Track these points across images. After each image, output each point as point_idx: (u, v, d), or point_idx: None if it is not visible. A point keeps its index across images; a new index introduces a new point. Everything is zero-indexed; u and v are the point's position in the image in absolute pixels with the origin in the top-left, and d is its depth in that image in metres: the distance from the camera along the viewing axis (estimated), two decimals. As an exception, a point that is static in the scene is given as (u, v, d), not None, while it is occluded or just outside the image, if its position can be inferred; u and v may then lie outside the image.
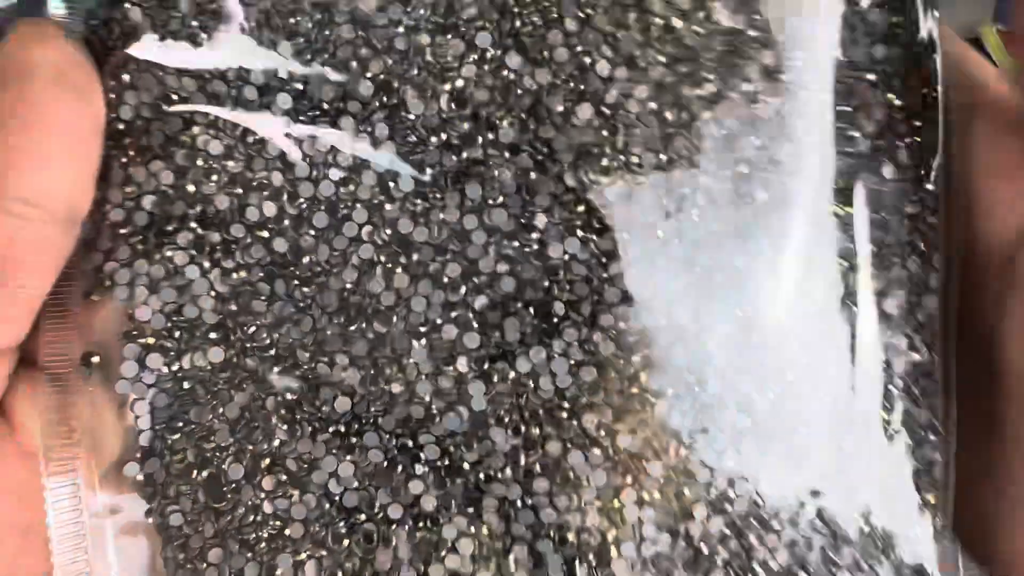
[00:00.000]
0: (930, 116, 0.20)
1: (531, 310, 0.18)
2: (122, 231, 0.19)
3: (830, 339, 0.20)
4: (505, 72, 0.18)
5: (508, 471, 0.19)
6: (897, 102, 0.21)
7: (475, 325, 0.18)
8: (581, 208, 0.18)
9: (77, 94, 0.17)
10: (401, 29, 0.18)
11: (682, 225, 0.19)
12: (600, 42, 0.18)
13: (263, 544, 0.18)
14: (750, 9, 0.19)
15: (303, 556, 0.18)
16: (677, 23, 0.19)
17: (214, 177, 0.18)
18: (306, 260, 0.18)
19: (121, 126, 0.18)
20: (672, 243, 0.19)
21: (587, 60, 0.18)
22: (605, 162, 0.18)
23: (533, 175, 0.18)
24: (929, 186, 0.20)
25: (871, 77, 0.21)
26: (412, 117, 0.18)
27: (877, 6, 0.20)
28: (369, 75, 0.18)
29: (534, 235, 0.18)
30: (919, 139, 0.20)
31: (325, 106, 0.18)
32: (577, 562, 0.19)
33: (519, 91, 0.18)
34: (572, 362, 0.18)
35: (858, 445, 0.21)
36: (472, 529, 0.19)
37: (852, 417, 0.21)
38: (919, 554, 0.20)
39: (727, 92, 0.19)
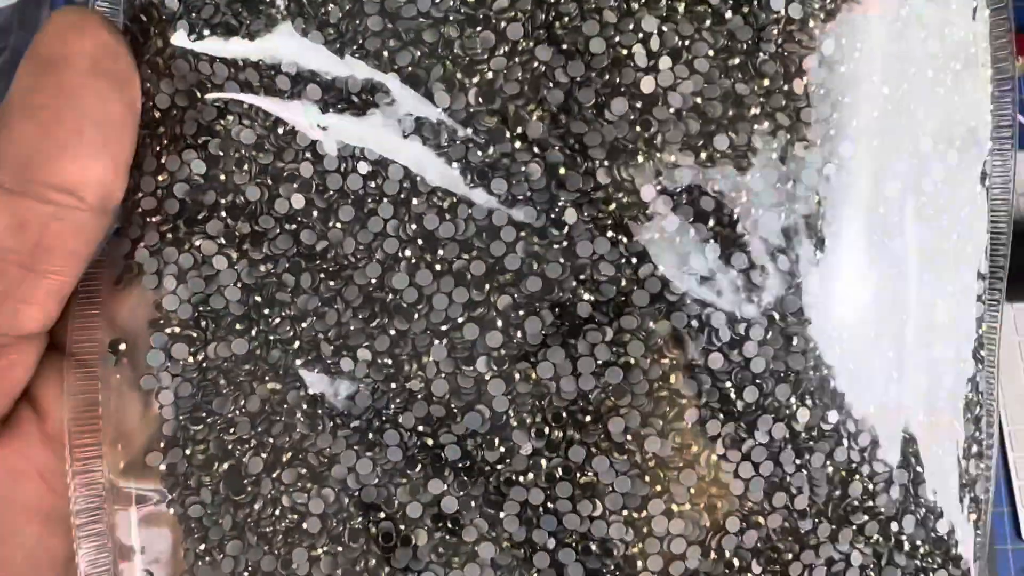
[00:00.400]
0: None
1: (556, 311, 0.18)
2: (152, 219, 0.18)
3: (879, 351, 0.20)
4: (536, 64, 0.18)
5: (530, 475, 0.18)
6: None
7: (498, 324, 0.18)
8: (612, 207, 0.18)
9: (113, 83, 0.17)
10: (430, 21, 0.18)
11: (724, 230, 0.18)
12: (641, 32, 0.18)
13: (280, 537, 0.18)
14: None
15: (319, 552, 0.18)
16: (734, 17, 0.18)
17: (245, 167, 0.18)
18: (332, 254, 0.18)
19: (157, 114, 0.18)
20: (709, 245, 0.18)
21: (624, 52, 0.18)
22: (640, 159, 0.18)
23: (562, 171, 0.18)
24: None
25: (930, 72, 0.20)
26: (440, 111, 0.18)
27: None
28: (396, 67, 0.18)
29: (562, 232, 0.18)
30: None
31: (354, 98, 0.18)
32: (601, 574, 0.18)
33: (550, 84, 0.18)
34: (598, 362, 0.18)
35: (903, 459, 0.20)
36: (493, 533, 0.18)
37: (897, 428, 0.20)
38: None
39: (780, 86, 0.18)
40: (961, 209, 0.20)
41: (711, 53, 0.18)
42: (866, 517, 0.19)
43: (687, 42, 0.18)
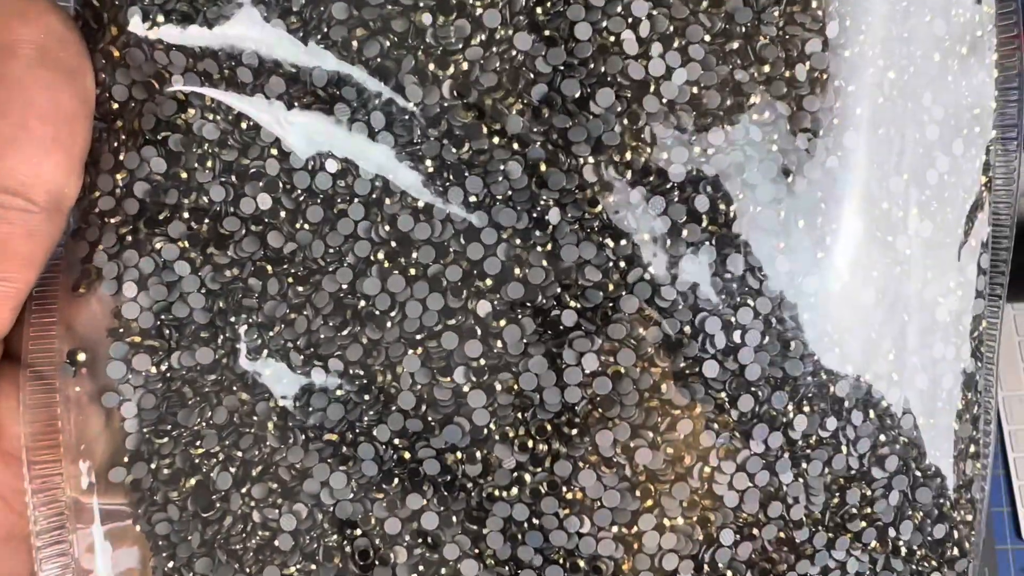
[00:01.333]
0: None
1: (539, 318, 0.17)
2: (111, 220, 0.18)
3: (880, 353, 0.19)
4: (515, 54, 0.16)
5: (514, 490, 0.17)
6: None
7: (477, 332, 0.17)
8: (598, 208, 0.17)
9: (63, 73, 0.17)
10: (399, 8, 0.16)
11: (719, 230, 0.17)
12: (631, 17, 0.16)
13: (251, 555, 0.18)
14: None
15: (292, 570, 0.18)
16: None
17: (208, 164, 0.17)
18: (300, 257, 0.17)
19: (114, 106, 0.17)
20: (704, 247, 0.17)
21: (611, 39, 0.16)
22: (629, 156, 0.17)
23: (544, 168, 0.17)
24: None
25: (936, 56, 0.19)
26: (411, 106, 0.16)
27: None
28: (364, 58, 0.16)
29: (546, 234, 0.17)
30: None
31: (319, 92, 0.17)
32: None
33: (531, 75, 0.16)
34: (586, 372, 0.17)
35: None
36: (476, 550, 0.18)
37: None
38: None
39: (782, 72, 0.17)
40: (965, 202, 0.19)
41: (707, 38, 0.17)
42: (864, 524, 0.19)
43: (681, 26, 0.17)
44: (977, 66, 0.19)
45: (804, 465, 0.18)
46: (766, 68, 0.17)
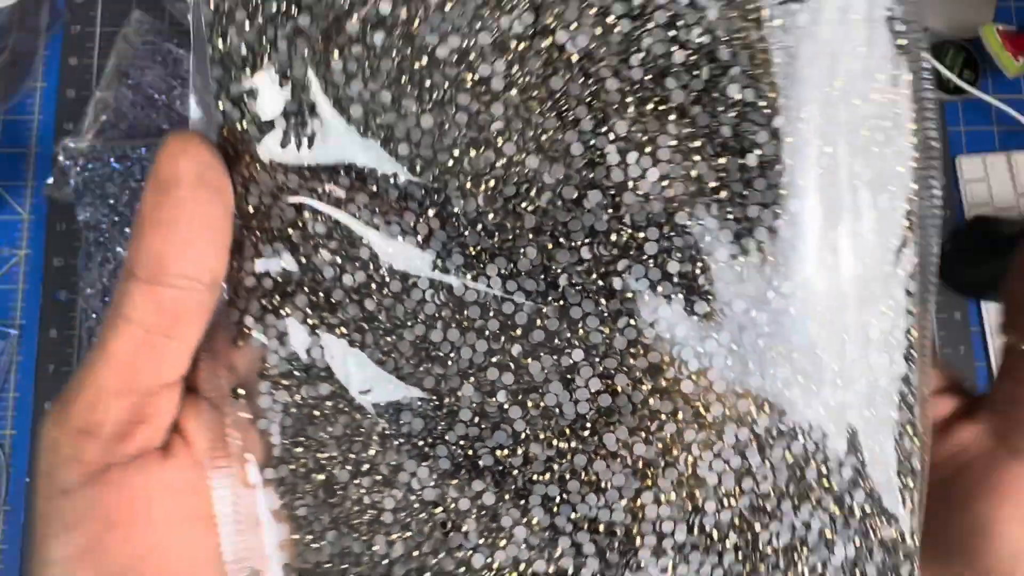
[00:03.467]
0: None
1: (554, 356, 0.23)
2: (254, 293, 0.23)
3: (825, 365, 0.24)
4: (526, 171, 0.23)
5: (547, 475, 0.24)
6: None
7: (511, 367, 0.23)
8: (593, 276, 0.23)
9: (213, 191, 0.22)
10: (443, 146, 0.23)
11: (688, 282, 0.23)
12: (612, 134, 0.22)
13: (364, 527, 0.24)
14: (759, 82, 0.22)
15: (394, 537, 0.24)
16: (693, 108, 0.22)
17: (320, 252, 0.24)
18: (384, 315, 0.24)
19: (250, 210, 0.24)
20: (675, 297, 0.23)
21: (598, 153, 0.22)
22: (615, 238, 0.23)
23: (551, 247, 0.23)
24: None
25: (864, 132, 0.24)
26: (456, 211, 0.23)
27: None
28: (422, 180, 0.23)
29: (558, 292, 0.23)
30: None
31: (393, 204, 0.23)
32: (608, 551, 0.24)
33: (540, 184, 0.23)
34: (591, 391, 0.23)
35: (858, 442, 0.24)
36: (524, 519, 0.24)
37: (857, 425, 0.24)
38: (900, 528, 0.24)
39: (736, 162, 0.23)
40: (893, 242, 0.23)
41: (673, 143, 0.23)
42: (822, 493, 0.24)
43: (653, 136, 0.22)
44: (897, 135, 0.23)
45: (768, 451, 0.24)
46: (722, 160, 0.23)
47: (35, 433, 0.70)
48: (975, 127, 0.78)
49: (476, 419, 0.24)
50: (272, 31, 0.23)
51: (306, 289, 0.24)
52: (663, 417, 0.23)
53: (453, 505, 0.24)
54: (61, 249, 0.73)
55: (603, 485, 0.23)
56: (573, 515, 0.24)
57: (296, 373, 0.24)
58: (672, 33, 0.22)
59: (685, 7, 0.22)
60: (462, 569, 0.23)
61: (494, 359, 0.23)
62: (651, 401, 0.23)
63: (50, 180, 0.72)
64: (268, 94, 0.23)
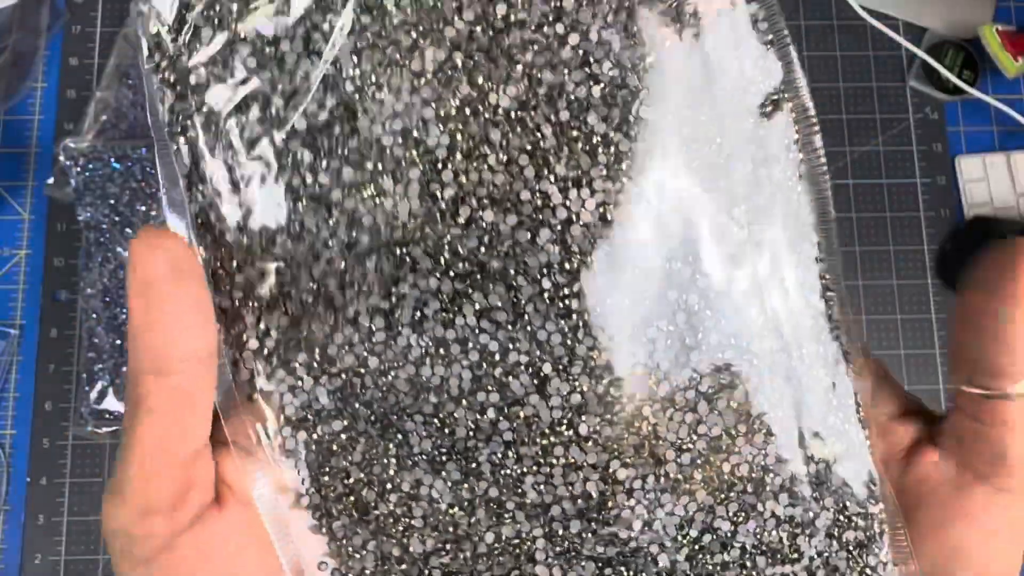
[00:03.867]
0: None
1: (529, 371, 0.26)
2: (259, 354, 0.26)
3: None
4: (485, 224, 0.25)
5: (535, 468, 0.26)
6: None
7: (496, 386, 0.26)
8: (555, 301, 0.25)
9: (188, 276, 0.23)
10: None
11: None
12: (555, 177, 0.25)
13: (399, 533, 0.27)
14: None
15: (426, 538, 0.27)
16: (615, 136, 0.25)
17: (306, 314, 0.26)
18: (375, 362, 0.26)
19: (237, 279, 0.26)
20: (623, 303, 0.25)
21: (544, 196, 0.25)
22: (568, 266, 0.25)
23: (518, 281, 0.25)
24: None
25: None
26: (427, 267, 0.25)
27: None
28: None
29: (523, 322, 0.26)
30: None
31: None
32: (588, 510, 0.27)
33: (498, 233, 0.25)
34: (562, 396, 0.26)
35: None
36: (521, 501, 0.27)
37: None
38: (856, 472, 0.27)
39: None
40: (792, 207, 0.26)
41: (604, 171, 0.25)
42: (769, 427, 0.27)
43: (587, 169, 0.25)
44: (780, 117, 0.26)
45: (714, 403, 0.26)
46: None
47: (35, 433, 0.70)
48: (975, 127, 0.79)
49: (472, 434, 0.26)
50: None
51: (303, 347, 0.26)
52: (624, 400, 0.26)
53: (468, 504, 0.27)
54: (61, 249, 0.73)
55: (579, 463, 0.26)
56: (558, 492, 0.27)
57: (308, 417, 0.27)
58: (588, 71, 0.24)
59: (595, 45, 0.24)
60: (481, 548, 0.27)
61: (479, 384, 0.26)
62: (611, 391, 0.26)
63: (50, 180, 0.72)
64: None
